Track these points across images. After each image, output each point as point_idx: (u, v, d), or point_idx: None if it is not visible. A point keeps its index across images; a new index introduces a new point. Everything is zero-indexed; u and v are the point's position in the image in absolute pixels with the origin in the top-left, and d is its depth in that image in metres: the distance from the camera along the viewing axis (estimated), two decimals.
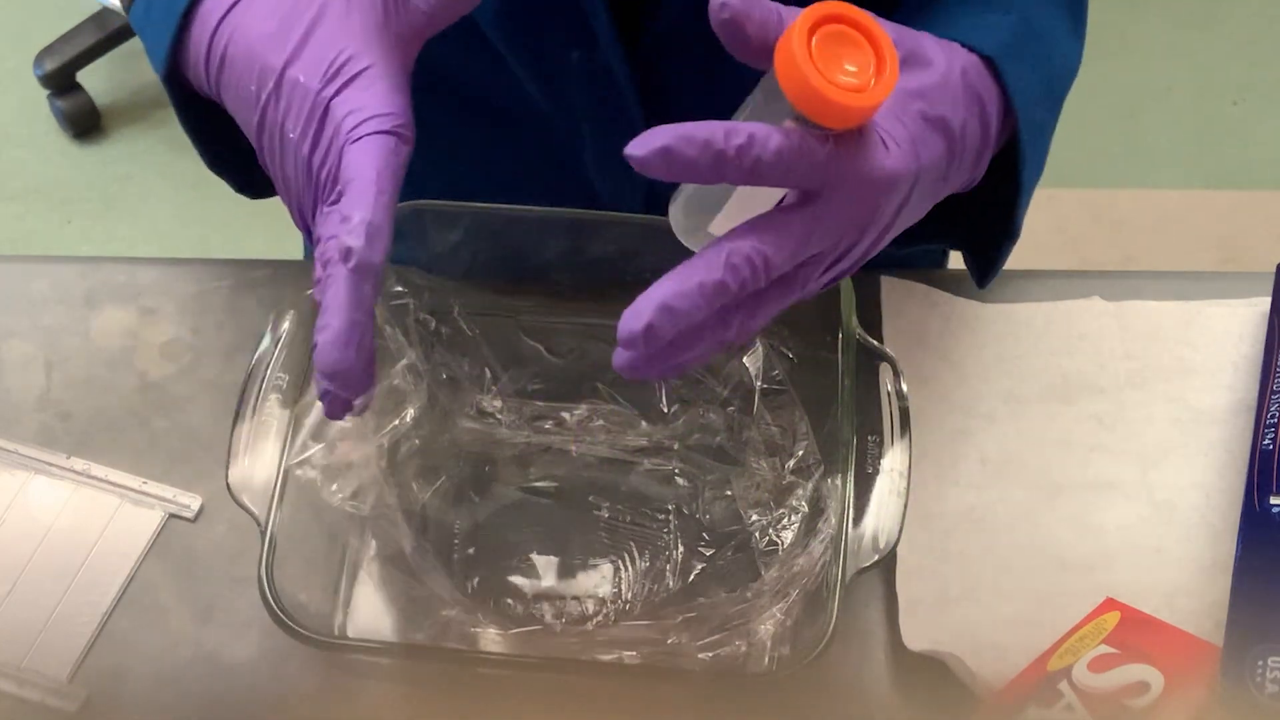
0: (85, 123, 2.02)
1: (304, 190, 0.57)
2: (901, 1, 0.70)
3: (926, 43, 0.59)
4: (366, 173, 0.53)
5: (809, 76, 0.49)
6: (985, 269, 0.73)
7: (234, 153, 0.63)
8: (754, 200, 0.54)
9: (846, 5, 0.51)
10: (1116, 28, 2.16)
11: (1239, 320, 0.78)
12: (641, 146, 0.49)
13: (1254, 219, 1.95)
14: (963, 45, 0.60)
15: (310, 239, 0.58)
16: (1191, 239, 1.93)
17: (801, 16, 0.50)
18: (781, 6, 0.53)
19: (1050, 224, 1.94)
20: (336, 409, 0.55)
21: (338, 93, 0.55)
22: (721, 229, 0.54)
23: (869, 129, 0.52)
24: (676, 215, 0.56)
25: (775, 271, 0.52)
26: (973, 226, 0.71)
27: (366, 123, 0.54)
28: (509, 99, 0.77)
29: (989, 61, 0.60)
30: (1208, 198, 1.99)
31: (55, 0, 2.11)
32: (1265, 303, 0.78)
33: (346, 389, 0.54)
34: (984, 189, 0.65)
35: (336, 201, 0.55)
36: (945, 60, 0.58)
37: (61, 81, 2.00)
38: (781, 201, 0.53)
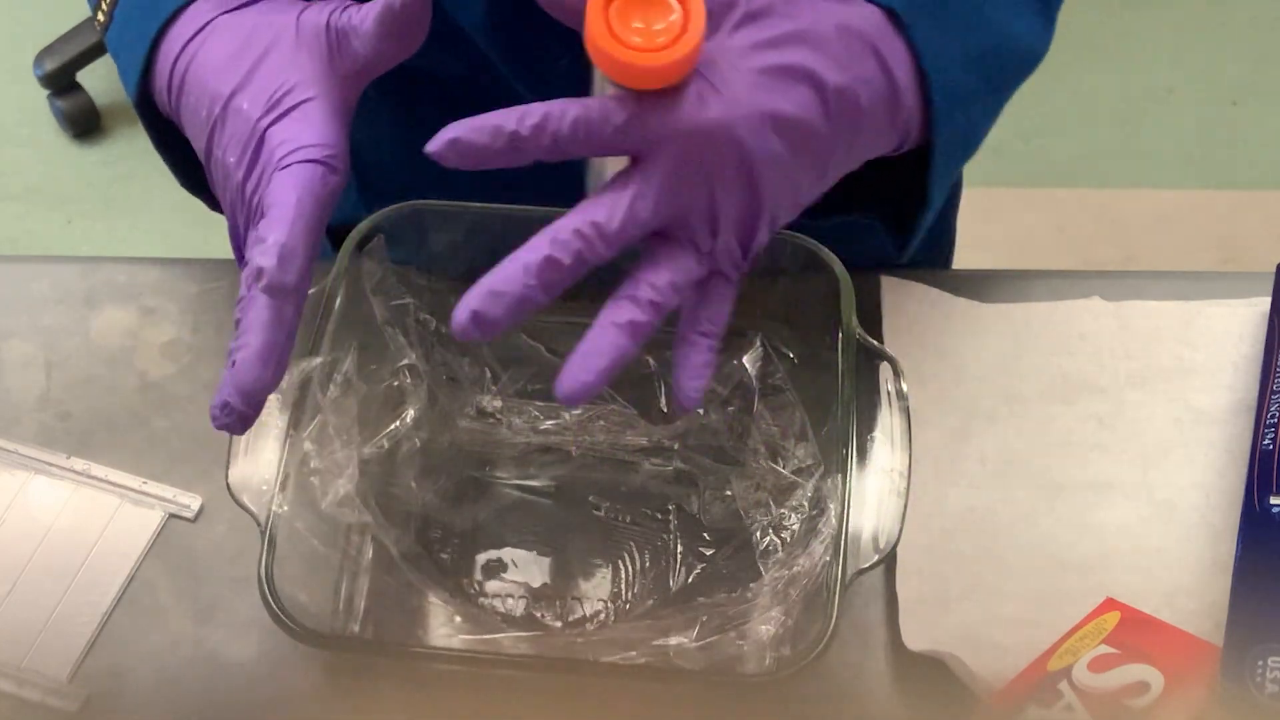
0: (85, 123, 2.02)
1: (238, 215, 0.59)
2: None
3: (794, 0, 0.57)
4: (287, 197, 0.55)
5: (595, 37, 0.50)
6: (903, 239, 0.70)
7: (202, 173, 0.65)
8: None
9: None
10: (1117, 28, 2.16)
11: (1239, 320, 0.78)
12: (435, 141, 0.52)
13: (1254, 219, 1.95)
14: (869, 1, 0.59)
15: (240, 263, 0.59)
16: (1191, 239, 1.93)
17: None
18: None
19: (1050, 224, 1.94)
20: (235, 425, 0.56)
21: (274, 122, 0.57)
22: None
23: (686, 85, 0.53)
24: None
25: (614, 237, 0.53)
26: (890, 194, 0.69)
27: (296, 152, 0.56)
28: (501, 101, 0.77)
29: (891, 15, 0.59)
30: (1208, 198, 1.99)
31: (55, 0, 2.11)
32: (1265, 303, 0.78)
33: (253, 407, 0.56)
34: (906, 157, 0.63)
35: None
36: (809, 12, 0.57)
37: (61, 81, 2.00)
38: None
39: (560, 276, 0.53)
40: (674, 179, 0.53)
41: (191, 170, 0.69)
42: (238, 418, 0.56)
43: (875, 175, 0.65)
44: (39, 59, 2.00)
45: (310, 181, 0.56)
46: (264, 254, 0.54)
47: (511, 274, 0.52)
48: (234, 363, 0.55)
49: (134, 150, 2.02)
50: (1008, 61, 0.67)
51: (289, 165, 0.56)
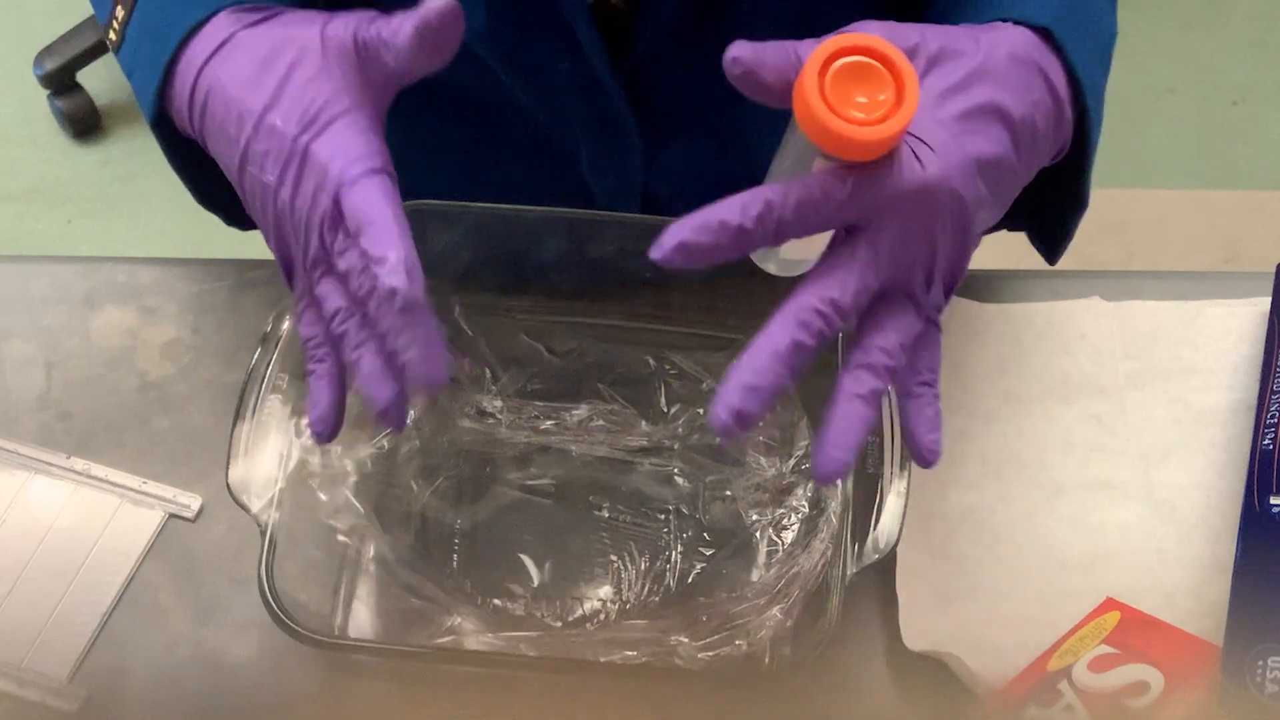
0: (85, 123, 2.02)
1: (287, 233, 0.58)
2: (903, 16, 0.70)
3: (957, 35, 0.58)
4: (382, 210, 0.54)
5: (819, 115, 0.49)
6: (1054, 243, 0.71)
7: (221, 190, 0.64)
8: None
9: (858, 35, 0.50)
10: (1117, 28, 2.15)
11: (1239, 320, 0.78)
12: (659, 249, 0.51)
13: (1254, 219, 1.95)
14: (1013, 22, 0.59)
15: (288, 280, 0.60)
16: (1191, 239, 1.93)
17: (815, 52, 0.50)
18: (798, 44, 0.53)
19: None
20: (400, 421, 0.57)
21: (315, 137, 0.56)
22: (792, 249, 0.55)
23: (898, 150, 0.52)
24: (758, 257, 0.58)
25: (851, 311, 0.53)
26: (1038, 201, 0.69)
27: (356, 163, 0.55)
28: (502, 106, 0.77)
29: (1044, 32, 0.59)
30: (1208, 198, 1.99)
31: (55, 0, 2.11)
32: (1265, 303, 0.78)
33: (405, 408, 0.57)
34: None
35: (344, 238, 0.56)
36: (980, 46, 0.57)
37: (61, 81, 2.00)
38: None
39: (806, 358, 0.53)
40: (900, 241, 0.53)
41: (209, 186, 0.68)
42: (401, 417, 0.57)
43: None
44: (39, 59, 1.99)
45: (391, 192, 0.55)
46: (392, 273, 0.53)
47: (763, 365, 0.52)
48: (410, 372, 0.54)
49: (134, 150, 2.02)
50: (1111, 50, 0.68)
51: (359, 179, 0.55)
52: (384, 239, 0.53)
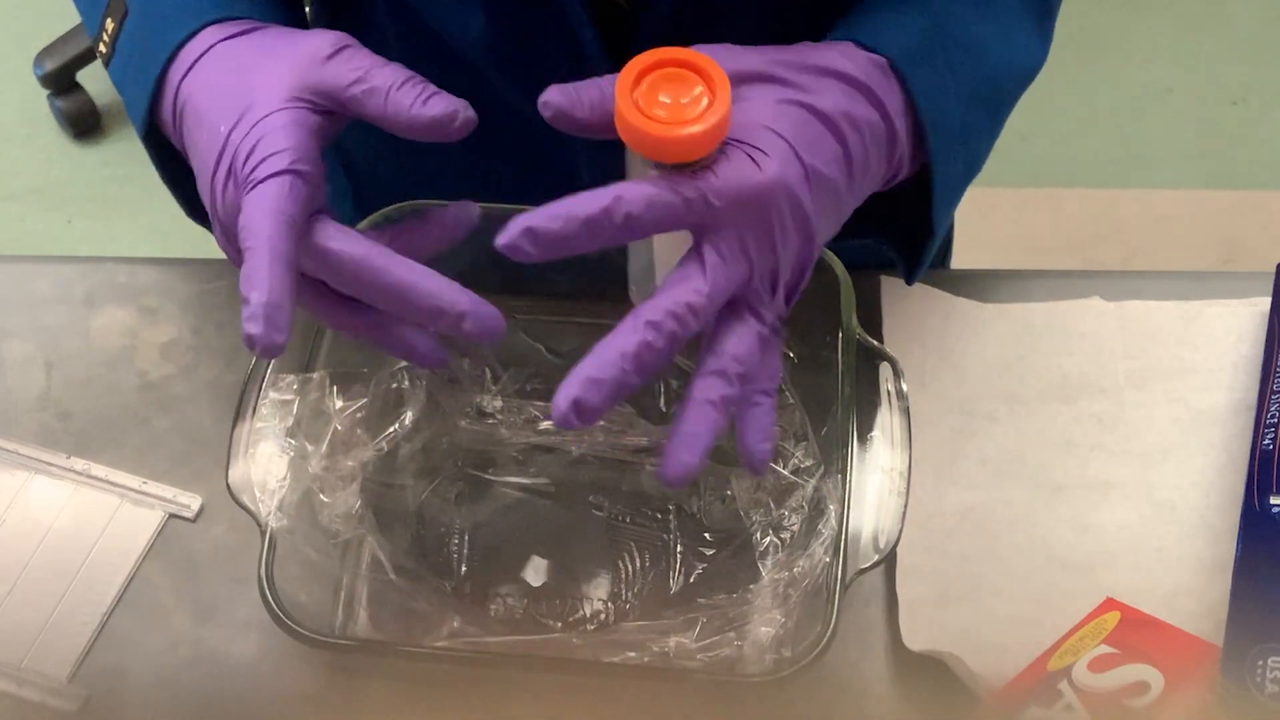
0: (85, 123, 2.02)
1: (223, 234, 0.59)
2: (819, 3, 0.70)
3: (806, 52, 0.59)
4: (259, 231, 0.54)
5: (630, 119, 0.52)
6: (911, 266, 0.72)
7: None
8: (676, 250, 0.56)
9: (662, 50, 0.53)
10: (1117, 28, 2.16)
11: (1239, 320, 0.78)
12: (505, 235, 0.53)
13: (1254, 219, 1.95)
14: (858, 45, 0.61)
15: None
16: (1191, 239, 1.93)
17: (625, 68, 0.53)
18: (603, 77, 0.55)
19: (1050, 224, 1.94)
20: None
21: (244, 136, 0.56)
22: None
23: (732, 152, 0.54)
24: (633, 292, 0.61)
25: (703, 312, 0.54)
26: (899, 224, 0.70)
27: (262, 165, 0.55)
28: (500, 113, 0.77)
29: (886, 59, 0.61)
30: (1208, 198, 1.99)
31: (55, 0, 2.11)
32: (1265, 303, 0.78)
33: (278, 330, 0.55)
34: (909, 187, 0.65)
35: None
36: (824, 63, 0.59)
37: (61, 81, 2.00)
38: None
39: (655, 359, 0.54)
40: (743, 244, 0.55)
41: (198, 198, 0.69)
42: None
43: (884, 203, 0.66)
44: (39, 59, 1.99)
45: (278, 200, 0.55)
46: (250, 319, 0.53)
47: (608, 361, 0.53)
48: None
49: (134, 150, 2.02)
50: (1004, 85, 0.68)
51: (255, 185, 0.55)
52: (252, 277, 0.53)
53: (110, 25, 0.65)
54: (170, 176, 0.68)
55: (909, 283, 0.73)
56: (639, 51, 0.72)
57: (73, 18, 2.01)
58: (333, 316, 0.59)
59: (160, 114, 0.62)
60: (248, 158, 0.56)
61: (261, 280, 0.53)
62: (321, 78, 0.58)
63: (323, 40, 0.59)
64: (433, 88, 0.58)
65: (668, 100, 0.52)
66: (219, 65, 0.60)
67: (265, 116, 0.57)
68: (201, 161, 0.58)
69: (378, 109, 0.58)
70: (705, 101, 0.53)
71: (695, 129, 0.52)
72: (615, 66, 0.71)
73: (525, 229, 0.52)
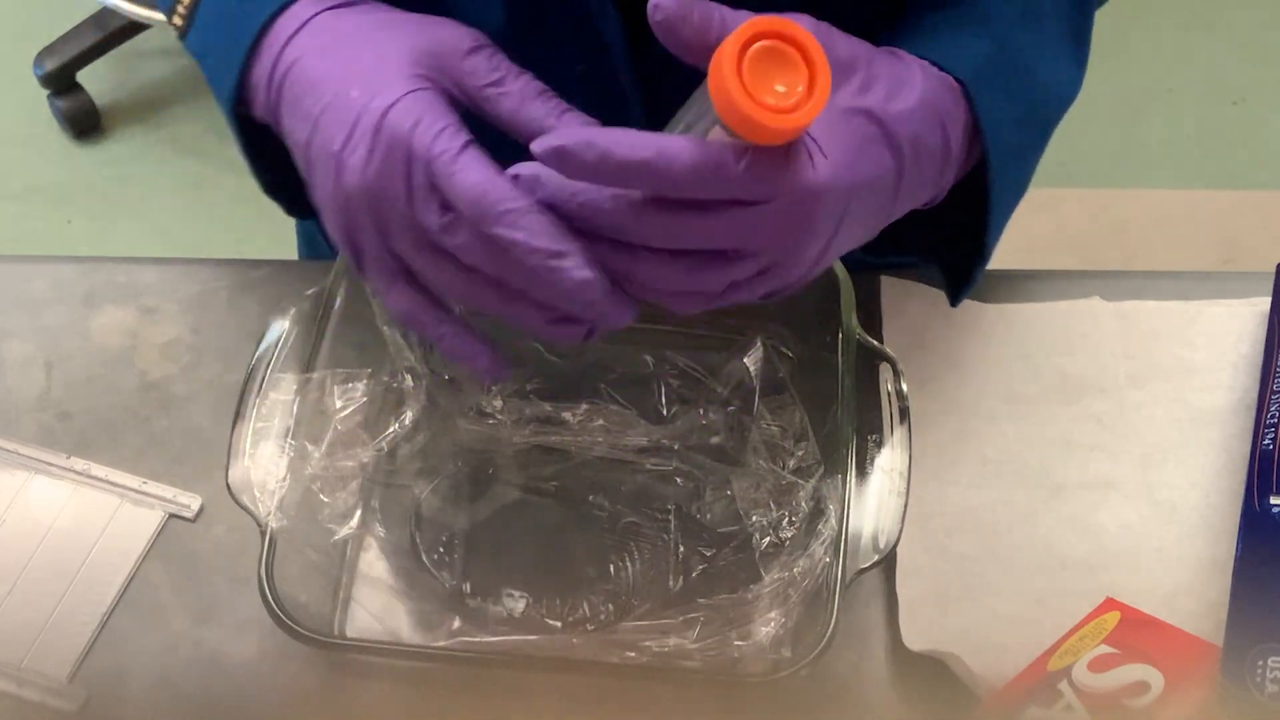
0: (85, 123, 2.02)
1: (358, 209, 0.57)
2: (876, 14, 0.70)
3: (891, 60, 0.59)
4: (514, 198, 0.54)
5: (734, 94, 0.50)
6: (957, 287, 0.72)
7: (286, 176, 0.64)
8: None
9: (785, 21, 0.51)
10: (1117, 28, 2.15)
11: (1239, 320, 0.78)
12: (539, 143, 0.51)
13: (1254, 219, 1.95)
14: (935, 65, 0.61)
15: (356, 260, 0.58)
16: (1191, 239, 1.93)
17: (737, 31, 0.50)
18: (723, 8, 0.53)
19: (1050, 224, 1.94)
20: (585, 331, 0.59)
21: (393, 105, 0.55)
22: None
23: (797, 143, 0.53)
24: None
25: (692, 186, 0.52)
26: (946, 244, 0.71)
27: (446, 136, 0.55)
28: None
29: (960, 83, 0.61)
30: (1208, 198, 1.98)
31: (55, 0, 2.11)
32: (1265, 303, 0.78)
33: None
34: (959, 209, 0.65)
35: (446, 214, 0.55)
36: (907, 79, 0.58)
37: (61, 81, 2.00)
38: None
39: (634, 174, 0.52)
40: (773, 227, 0.54)
41: (275, 173, 0.68)
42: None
43: (934, 225, 0.66)
44: (39, 59, 1.99)
45: (494, 164, 0.55)
46: (580, 268, 0.53)
47: (620, 140, 0.51)
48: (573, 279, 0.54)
49: (134, 150, 2.02)
50: (1051, 109, 0.69)
51: (460, 151, 0.54)
52: (543, 232, 0.53)
53: None
54: (249, 149, 0.67)
55: (953, 303, 0.73)
56: (656, 47, 0.72)
57: (73, 18, 2.03)
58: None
59: (250, 82, 0.61)
60: (415, 127, 0.55)
61: (561, 233, 0.53)
62: (459, 70, 0.58)
63: (464, 33, 0.59)
64: (565, 104, 0.59)
65: (782, 88, 0.50)
66: (329, 35, 0.59)
67: (416, 90, 0.56)
68: (323, 129, 0.57)
69: (510, 113, 0.58)
70: (803, 92, 0.50)
71: (789, 123, 0.50)
72: (636, 58, 0.71)
73: (556, 148, 0.51)
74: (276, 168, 0.66)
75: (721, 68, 0.50)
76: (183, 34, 0.66)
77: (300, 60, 0.59)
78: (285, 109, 0.59)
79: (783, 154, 0.52)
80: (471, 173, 0.54)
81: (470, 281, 0.57)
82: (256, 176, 0.69)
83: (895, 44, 0.62)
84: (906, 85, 0.58)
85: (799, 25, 0.50)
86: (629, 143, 0.51)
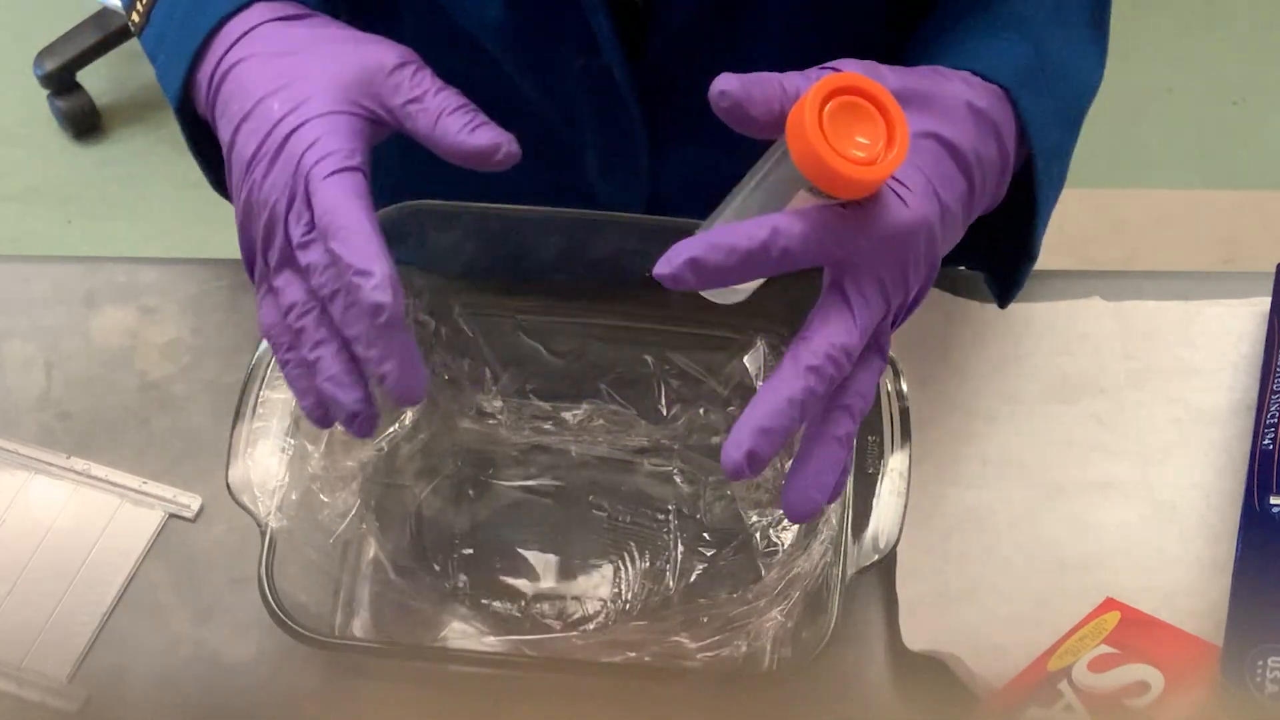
0: (85, 123, 2.02)
1: (252, 214, 0.59)
2: (911, 25, 0.70)
3: (938, 80, 0.59)
4: (358, 217, 0.55)
5: (823, 154, 0.50)
6: (1005, 289, 0.73)
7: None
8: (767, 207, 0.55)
9: (856, 76, 0.52)
10: (1117, 28, 2.14)
11: (1239, 320, 0.78)
12: (668, 265, 0.52)
13: (1254, 219, 1.95)
14: (978, 75, 0.61)
15: (249, 266, 0.60)
16: (1192, 239, 1.93)
17: (813, 90, 0.51)
18: (782, 76, 0.54)
19: (1050, 224, 1.94)
20: (369, 429, 0.58)
21: (301, 124, 0.57)
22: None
23: (883, 188, 0.54)
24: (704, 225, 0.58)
25: (855, 352, 0.54)
26: (992, 247, 0.71)
27: (331, 158, 0.56)
28: (510, 102, 0.77)
29: (1004, 90, 0.61)
30: (1208, 198, 1.99)
31: (55, 0, 2.11)
32: (1265, 303, 0.78)
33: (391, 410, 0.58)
34: (1002, 212, 0.65)
35: (309, 232, 0.56)
36: (957, 95, 0.59)
37: (61, 81, 2.00)
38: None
39: (817, 404, 0.54)
40: (881, 279, 0.54)
41: (223, 174, 0.69)
42: (370, 425, 0.58)
43: (984, 231, 0.67)
44: (39, 59, 1.99)
45: (364, 193, 0.56)
46: (378, 289, 0.53)
47: (777, 409, 0.52)
48: (388, 383, 0.55)
49: (134, 150, 2.02)
50: (1083, 104, 0.70)
51: (333, 174, 0.56)
52: (363, 250, 0.54)
53: None
54: (197, 149, 0.68)
55: (1002, 306, 0.74)
56: (653, 46, 0.72)
57: (73, 18, 2.03)
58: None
59: (195, 81, 0.63)
60: (310, 148, 0.56)
61: (375, 253, 0.54)
62: (382, 89, 0.59)
63: (389, 52, 0.60)
64: (483, 117, 0.59)
65: (865, 141, 0.51)
66: (270, 45, 0.60)
67: (327, 114, 0.57)
68: (241, 136, 0.59)
69: (426, 129, 0.59)
70: (883, 141, 0.52)
71: (878, 173, 0.51)
72: (629, 58, 0.71)
73: (689, 260, 0.52)
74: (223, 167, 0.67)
75: (805, 132, 0.51)
76: (139, 31, 0.67)
77: (238, 65, 0.60)
78: (219, 110, 0.61)
79: (875, 203, 0.53)
80: (334, 191, 0.55)
81: (304, 306, 0.58)
82: (207, 176, 0.71)
83: (932, 58, 0.62)
84: (958, 101, 0.59)
85: (864, 76, 0.52)
86: (746, 232, 0.52)
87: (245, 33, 0.61)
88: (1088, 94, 0.71)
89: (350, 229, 0.55)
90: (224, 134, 0.60)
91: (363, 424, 0.58)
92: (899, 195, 0.54)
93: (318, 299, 0.57)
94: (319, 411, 0.59)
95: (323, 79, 0.59)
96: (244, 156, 0.58)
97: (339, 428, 0.68)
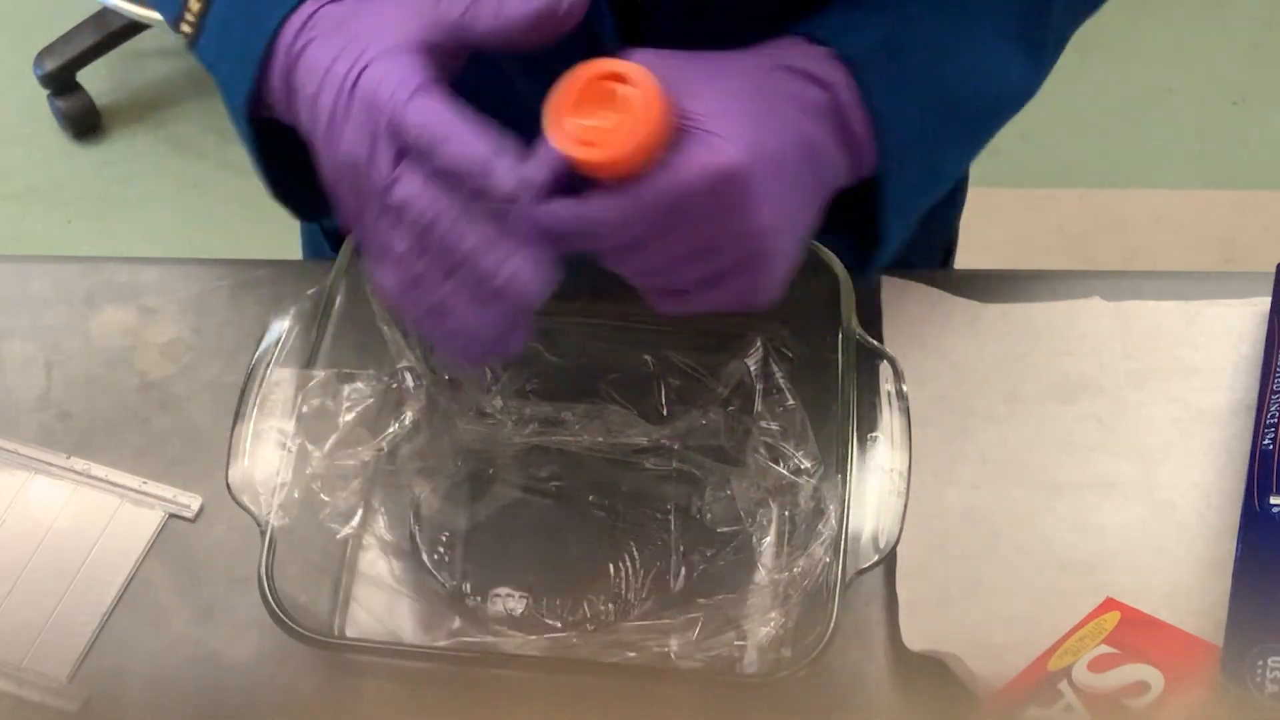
0: (85, 123, 2.02)
1: (343, 181, 0.58)
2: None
3: (755, 50, 0.61)
4: (452, 121, 0.55)
5: (552, 143, 0.54)
6: (859, 267, 0.71)
7: (296, 179, 0.65)
8: None
9: (599, 62, 0.54)
10: (1117, 28, 2.16)
11: (1239, 320, 0.78)
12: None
13: (1254, 219, 1.95)
14: (815, 41, 0.61)
15: (355, 239, 0.60)
16: (1192, 239, 1.93)
17: (564, 81, 0.54)
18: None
19: (1050, 224, 1.94)
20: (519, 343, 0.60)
21: (365, 68, 0.57)
22: None
23: (687, 139, 0.55)
24: None
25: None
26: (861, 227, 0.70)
27: (406, 83, 0.56)
28: (509, 103, 0.77)
29: (839, 54, 0.61)
30: (1208, 198, 1.99)
31: (55, 0, 2.11)
32: (1265, 303, 0.78)
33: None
34: (863, 193, 0.64)
35: (402, 169, 0.56)
36: (781, 58, 0.60)
37: (61, 81, 2.00)
38: None
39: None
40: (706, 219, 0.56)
41: (284, 176, 0.68)
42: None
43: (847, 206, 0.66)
44: (39, 59, 2.00)
45: (449, 98, 0.56)
46: (504, 179, 0.55)
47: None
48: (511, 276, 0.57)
49: (134, 150, 2.02)
50: (985, 102, 0.68)
51: (413, 95, 0.56)
52: (471, 148, 0.55)
53: (196, 5, 0.65)
54: (259, 153, 0.67)
55: (855, 282, 0.72)
56: (653, 37, 0.72)
57: (73, 18, 2.03)
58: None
59: (267, 85, 0.62)
60: (379, 84, 0.56)
61: (487, 150, 0.55)
62: (435, 15, 0.59)
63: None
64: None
65: (592, 124, 0.54)
66: (329, 23, 0.60)
67: (388, 50, 0.58)
68: (318, 108, 0.58)
69: (490, 21, 0.59)
70: (618, 119, 0.53)
71: (610, 153, 0.53)
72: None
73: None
74: (286, 170, 0.66)
75: (549, 131, 0.54)
76: (192, 42, 0.66)
77: (304, 50, 0.60)
78: (298, 100, 0.61)
79: (676, 156, 0.55)
80: (425, 107, 0.56)
81: (417, 249, 0.57)
82: (265, 181, 0.70)
83: (792, 28, 0.63)
84: (781, 64, 0.60)
85: (612, 60, 0.54)
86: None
87: (305, 22, 0.61)
88: (993, 96, 0.68)
89: (450, 137, 0.55)
90: (303, 116, 0.60)
91: (511, 339, 0.59)
92: (711, 145, 0.55)
93: (427, 239, 0.57)
94: (474, 349, 0.59)
95: (378, 27, 0.59)
96: (321, 122, 0.58)
97: (340, 427, 0.68)
